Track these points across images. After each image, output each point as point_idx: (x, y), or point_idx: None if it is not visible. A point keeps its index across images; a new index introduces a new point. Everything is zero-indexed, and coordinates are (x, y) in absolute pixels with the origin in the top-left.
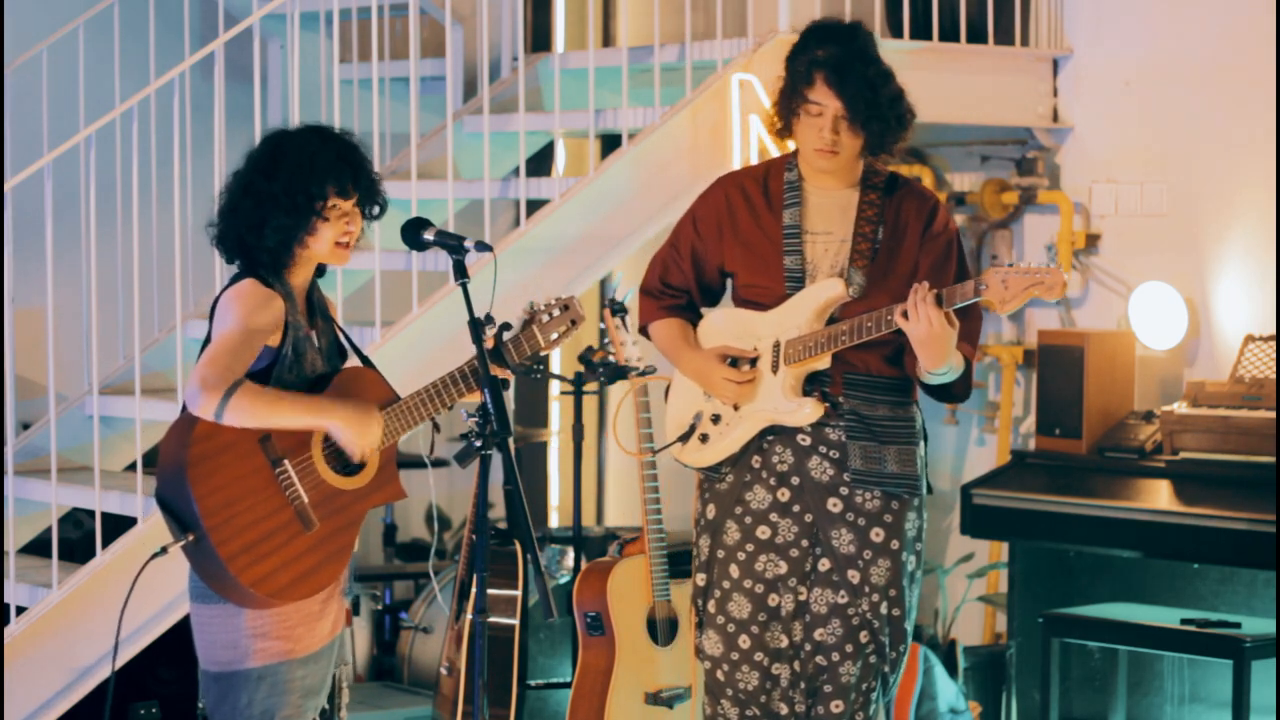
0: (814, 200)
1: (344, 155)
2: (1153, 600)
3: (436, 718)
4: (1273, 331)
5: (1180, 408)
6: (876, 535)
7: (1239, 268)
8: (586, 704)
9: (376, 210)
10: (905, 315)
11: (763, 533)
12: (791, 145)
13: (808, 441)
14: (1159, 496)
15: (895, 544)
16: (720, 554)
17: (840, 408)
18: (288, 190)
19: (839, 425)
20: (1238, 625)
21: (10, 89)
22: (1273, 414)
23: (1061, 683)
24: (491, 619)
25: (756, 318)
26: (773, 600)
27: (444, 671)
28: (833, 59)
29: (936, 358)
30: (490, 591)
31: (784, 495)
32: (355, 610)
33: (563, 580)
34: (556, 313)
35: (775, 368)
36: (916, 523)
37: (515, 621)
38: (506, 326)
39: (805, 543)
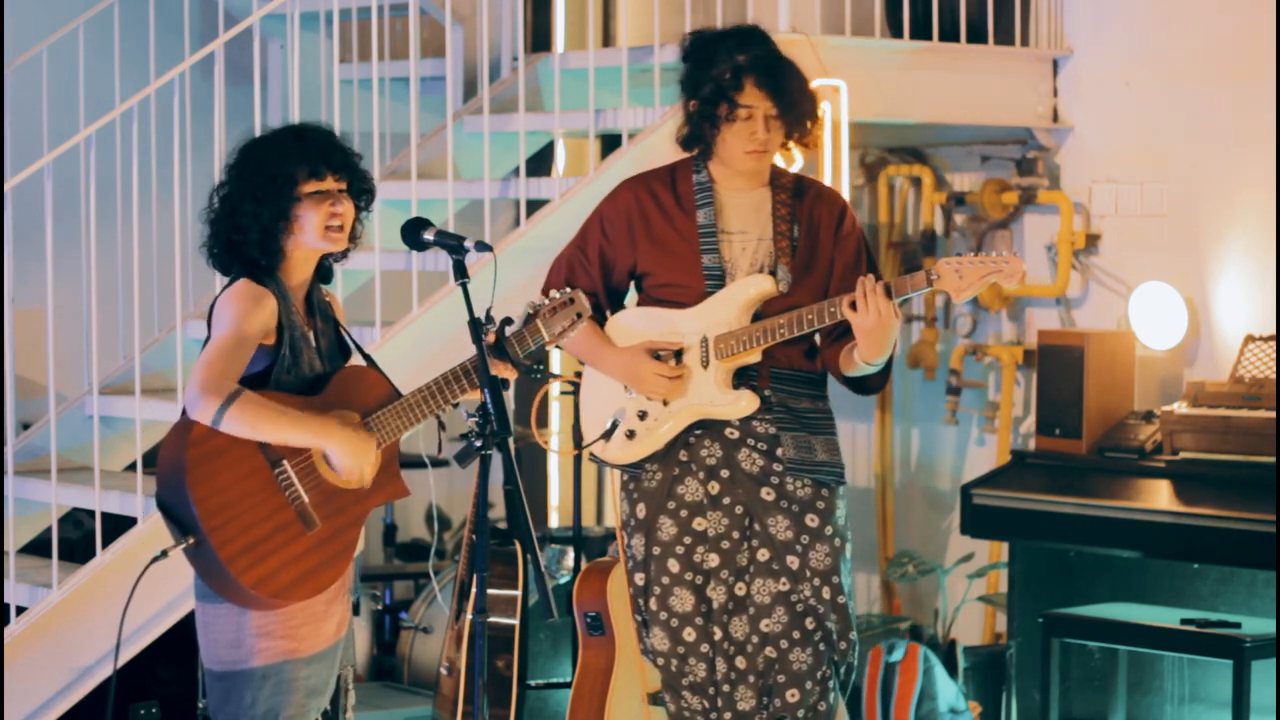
0: (727, 201)
1: (309, 139)
2: (1153, 600)
3: (436, 718)
4: (1273, 331)
5: (1180, 408)
6: (812, 521)
7: (1239, 268)
8: (586, 704)
9: (364, 193)
10: (853, 307)
11: (699, 524)
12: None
13: (735, 435)
14: (1159, 496)
15: (829, 530)
16: (656, 550)
17: (769, 401)
18: (257, 179)
19: (767, 418)
20: (1238, 625)
21: (10, 89)
22: (1273, 414)
23: (1061, 683)
24: (491, 619)
25: (678, 315)
26: (709, 592)
27: (444, 671)
28: (759, 62)
29: (880, 348)
30: (490, 591)
31: (714, 488)
32: (355, 610)
33: (563, 580)
34: (561, 306)
35: (705, 362)
36: (844, 510)
37: (515, 621)
38: (509, 321)
39: (736, 535)
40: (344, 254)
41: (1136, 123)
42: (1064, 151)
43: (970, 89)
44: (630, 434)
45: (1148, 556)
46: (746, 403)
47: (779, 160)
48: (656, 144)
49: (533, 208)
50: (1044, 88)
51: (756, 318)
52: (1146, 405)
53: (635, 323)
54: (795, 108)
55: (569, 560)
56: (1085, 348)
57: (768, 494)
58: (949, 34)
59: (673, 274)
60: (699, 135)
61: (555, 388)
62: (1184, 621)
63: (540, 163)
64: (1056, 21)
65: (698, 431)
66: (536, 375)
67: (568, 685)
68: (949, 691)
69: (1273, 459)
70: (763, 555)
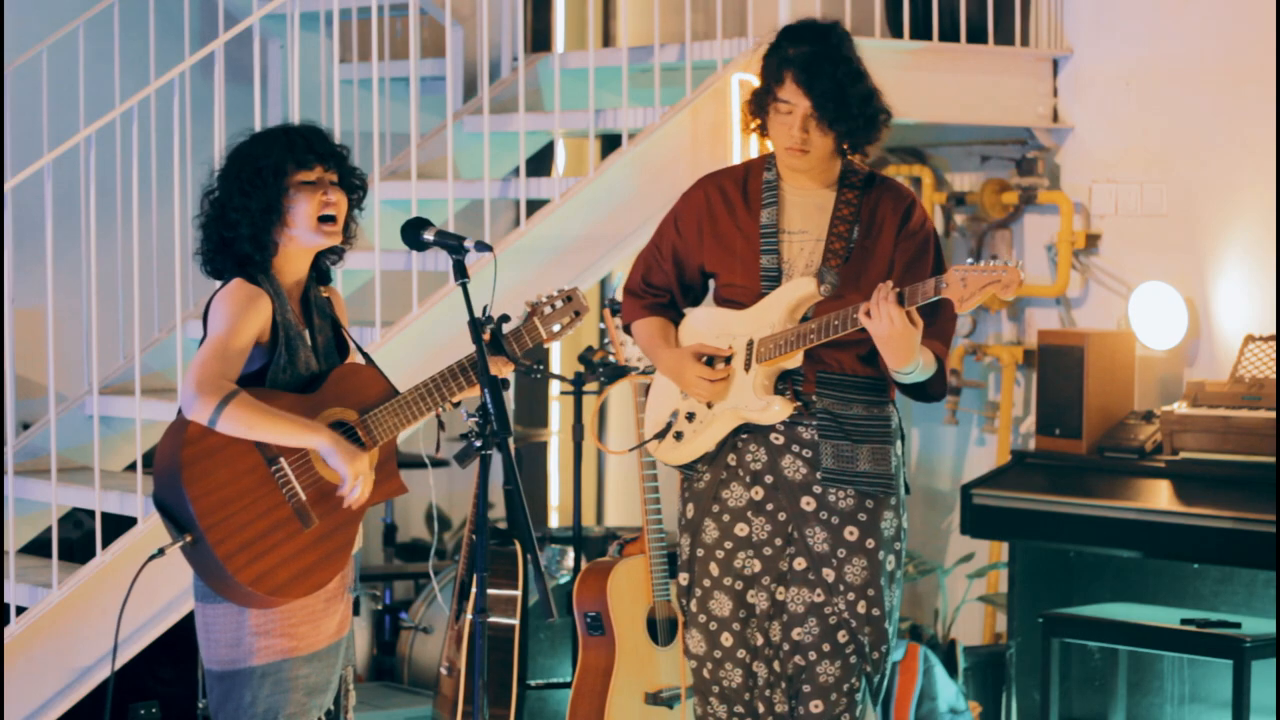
0: (791, 200)
1: (296, 132)
2: (1153, 600)
3: (436, 718)
4: (1273, 331)
5: (1180, 408)
6: (850, 534)
7: (1239, 268)
8: (586, 704)
9: (356, 188)
10: (869, 314)
11: (740, 530)
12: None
13: (780, 440)
14: (1159, 496)
15: (870, 543)
16: (700, 552)
17: (813, 406)
18: (245, 173)
19: (812, 424)
20: (1238, 625)
21: (10, 89)
22: (1273, 414)
23: (1061, 683)
24: (491, 619)
25: (733, 316)
26: (750, 598)
27: (444, 671)
28: (802, 58)
29: (900, 356)
30: (490, 591)
31: (758, 494)
32: (355, 610)
33: (563, 580)
34: (559, 304)
35: (748, 366)
36: (894, 522)
37: (515, 621)
38: (506, 318)
39: (779, 541)
40: (340, 254)
41: (1136, 123)
42: (1064, 151)
43: (970, 89)
44: (678, 435)
45: (1148, 556)
46: (779, 408)
47: None
48: (656, 144)
49: (533, 208)
50: (1044, 88)
51: (806, 321)
52: (1146, 405)
53: (698, 323)
54: (839, 109)
55: (569, 560)
56: (1085, 348)
57: (808, 503)
58: (949, 34)
59: (734, 274)
60: (762, 126)
61: (555, 387)
62: (1184, 621)
63: (540, 163)
64: (1056, 21)
65: (744, 436)
66: (536, 375)
67: (568, 685)
68: (949, 691)
69: (1273, 459)
70: (799, 564)
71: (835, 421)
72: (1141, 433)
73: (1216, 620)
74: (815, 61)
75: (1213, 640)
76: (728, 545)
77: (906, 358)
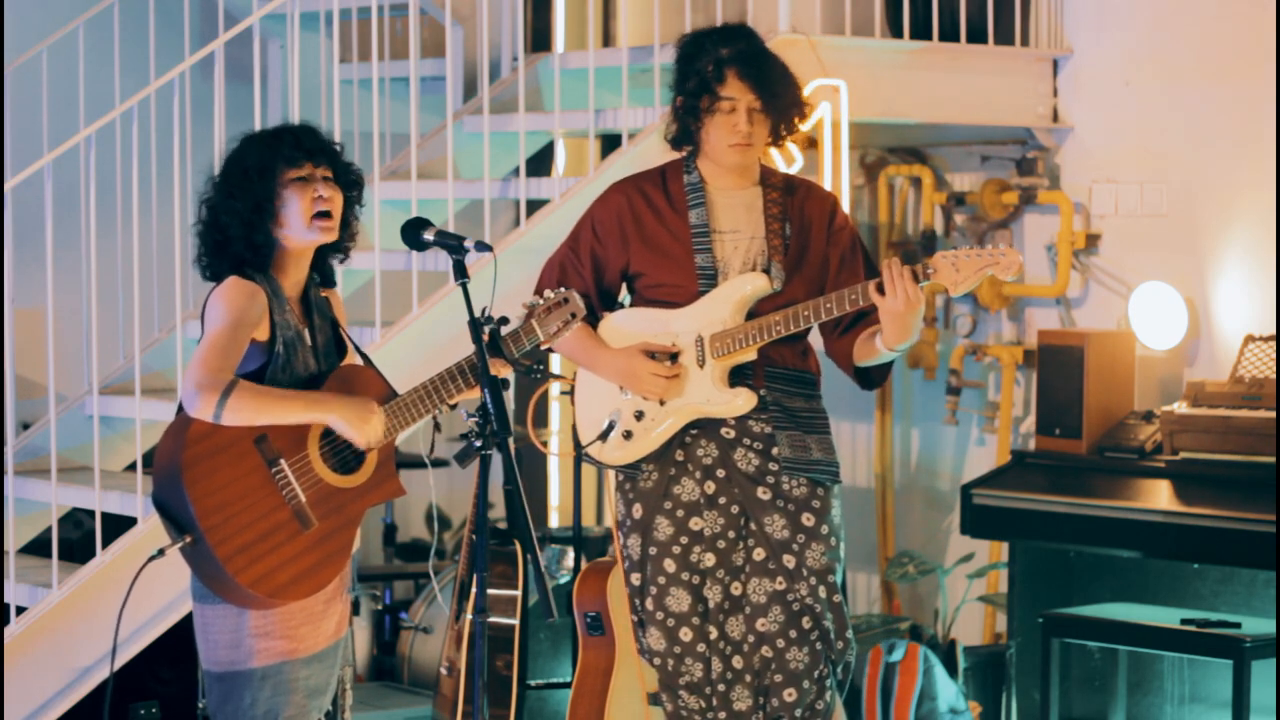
0: (719, 200)
1: (285, 131)
2: (1153, 600)
3: (437, 718)
4: (1273, 331)
5: (1180, 408)
6: (807, 520)
7: (1239, 268)
8: (586, 704)
9: (353, 184)
10: (880, 290)
11: (695, 524)
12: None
13: (732, 434)
14: (1159, 496)
15: (825, 529)
16: (653, 550)
17: (764, 400)
18: (234, 176)
19: (763, 417)
20: (1238, 625)
21: (10, 89)
22: (1273, 414)
23: (1061, 683)
24: (491, 619)
25: (671, 315)
26: (705, 591)
27: (444, 671)
28: (741, 55)
29: (906, 332)
30: (490, 591)
31: (710, 488)
32: (355, 610)
33: (563, 580)
34: (556, 306)
35: (701, 361)
36: (840, 510)
37: (515, 621)
38: (504, 320)
39: (731, 534)
40: (345, 254)
41: (1136, 123)
42: (1064, 151)
43: (970, 89)
44: (627, 435)
45: (1148, 556)
46: (744, 401)
47: (780, 163)
48: (656, 144)
49: (533, 208)
50: (1044, 88)
51: (750, 316)
52: (1146, 405)
53: (628, 323)
54: (777, 100)
55: (569, 560)
56: (1085, 348)
57: (764, 493)
58: (949, 34)
59: (666, 274)
60: (686, 131)
61: (555, 388)
62: (1184, 621)
63: (540, 163)
64: (1056, 21)
65: (693, 431)
66: (536, 375)
67: (568, 685)
68: (949, 691)
69: (1273, 459)
70: (759, 554)
71: (786, 413)
72: (1141, 433)
73: (1216, 620)
74: (754, 57)
75: (1213, 640)
76: (683, 540)
77: (910, 334)
